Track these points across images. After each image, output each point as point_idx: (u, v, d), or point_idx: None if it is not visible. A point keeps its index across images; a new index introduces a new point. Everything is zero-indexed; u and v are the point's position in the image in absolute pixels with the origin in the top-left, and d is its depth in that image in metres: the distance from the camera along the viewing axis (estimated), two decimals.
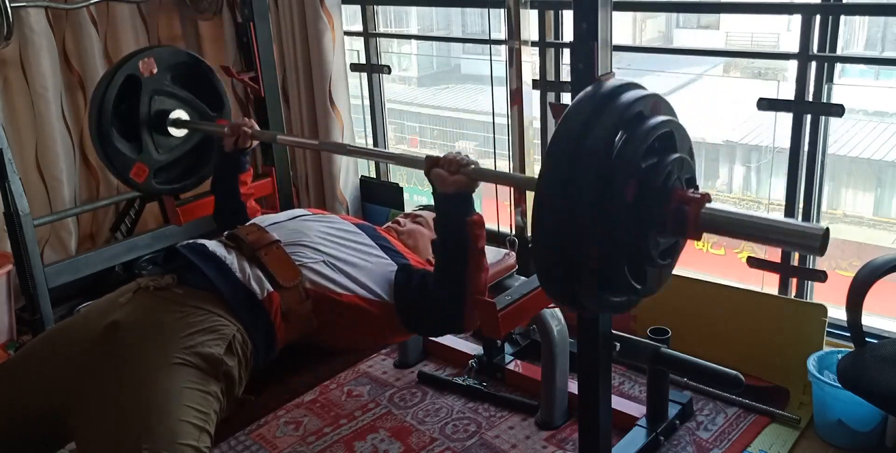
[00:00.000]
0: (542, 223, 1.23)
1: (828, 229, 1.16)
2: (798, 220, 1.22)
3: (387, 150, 1.84)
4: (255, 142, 2.13)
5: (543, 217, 1.23)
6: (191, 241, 1.68)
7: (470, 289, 1.64)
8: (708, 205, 1.26)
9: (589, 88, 1.29)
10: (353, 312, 1.66)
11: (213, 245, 1.65)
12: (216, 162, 2.16)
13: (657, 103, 1.30)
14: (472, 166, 1.62)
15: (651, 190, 1.23)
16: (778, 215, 1.25)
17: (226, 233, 1.73)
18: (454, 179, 1.61)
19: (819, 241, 1.16)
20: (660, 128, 1.26)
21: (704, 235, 1.30)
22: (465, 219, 1.61)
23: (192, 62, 2.38)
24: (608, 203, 1.19)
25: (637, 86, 1.31)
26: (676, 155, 1.28)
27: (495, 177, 1.69)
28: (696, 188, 1.32)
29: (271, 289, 1.58)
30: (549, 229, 1.22)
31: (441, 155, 1.65)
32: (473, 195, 1.64)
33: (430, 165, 1.64)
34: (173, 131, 2.32)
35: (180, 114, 2.32)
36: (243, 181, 2.10)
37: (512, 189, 2.43)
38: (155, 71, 2.24)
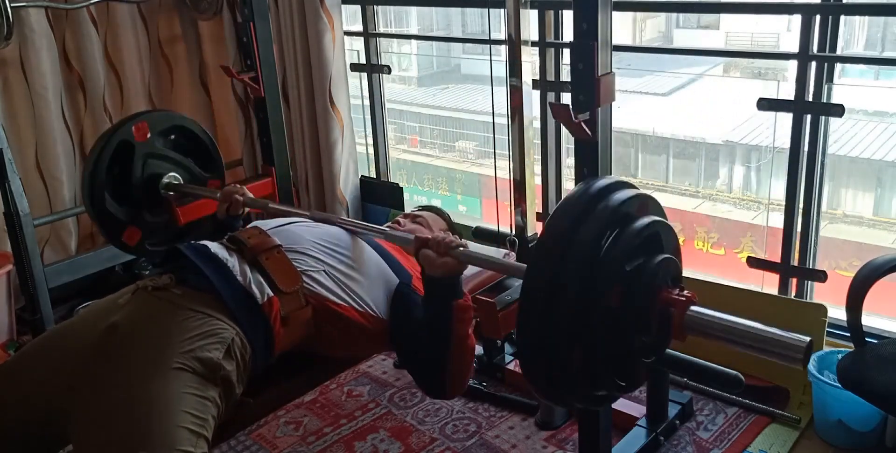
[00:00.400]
0: (527, 325, 1.25)
1: (811, 341, 1.18)
2: (782, 331, 1.23)
3: (378, 226, 1.86)
4: (248, 209, 2.13)
5: (528, 319, 1.25)
6: (193, 242, 1.67)
7: (452, 368, 1.64)
8: (693, 307, 1.27)
9: (579, 186, 1.31)
10: (350, 324, 1.66)
11: (215, 247, 1.65)
12: (211, 229, 2.14)
13: (644, 203, 1.32)
14: (461, 248, 1.61)
15: (636, 292, 1.24)
16: (764, 327, 1.27)
17: (228, 235, 1.73)
18: (442, 262, 1.60)
19: (802, 353, 1.17)
20: (646, 229, 1.27)
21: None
22: (451, 303, 1.61)
23: (186, 125, 2.41)
24: (592, 308, 1.20)
25: (626, 185, 1.32)
26: (663, 256, 1.29)
27: (483, 262, 1.68)
28: (682, 288, 1.32)
29: (271, 293, 1.58)
30: (534, 331, 1.24)
31: (430, 236, 1.66)
32: (463, 269, 1.64)
33: (419, 246, 1.64)
34: (166, 195, 2.34)
35: (173, 178, 2.34)
36: None
37: (512, 189, 2.43)
38: (148, 135, 2.27)
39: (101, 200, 2.20)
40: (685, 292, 1.30)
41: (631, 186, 1.33)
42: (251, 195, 2.12)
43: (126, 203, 2.27)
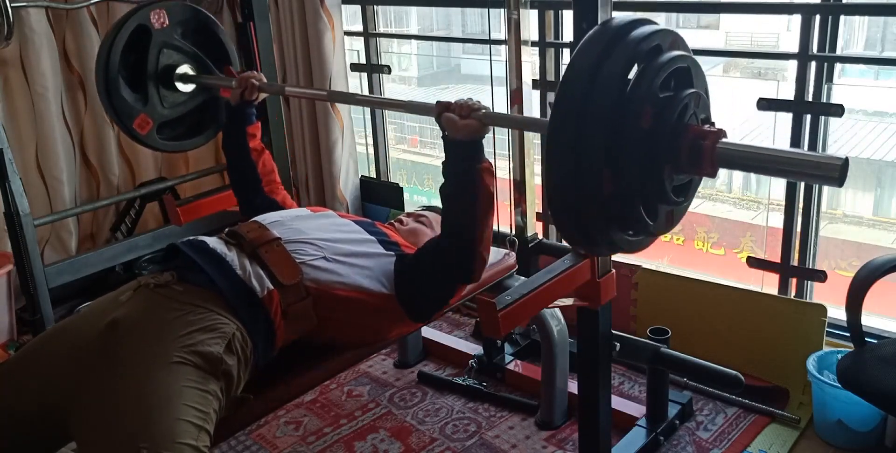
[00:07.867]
0: (556, 155, 1.21)
1: (846, 159, 1.12)
2: (814, 153, 1.19)
3: (395, 99, 1.86)
4: (263, 95, 2.14)
5: (557, 149, 1.20)
6: (191, 238, 1.68)
7: (480, 235, 1.65)
8: (723, 139, 1.23)
9: (601, 23, 1.26)
10: (354, 306, 1.67)
11: (213, 242, 1.65)
12: (225, 118, 2.15)
13: (675, 40, 1.28)
14: (483, 111, 1.61)
15: (667, 122, 1.20)
16: (796, 150, 1.21)
17: (226, 229, 1.73)
18: (465, 123, 1.60)
19: (838, 171, 1.11)
20: (677, 61, 1.23)
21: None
22: (475, 166, 1.61)
23: (203, 19, 2.38)
24: (623, 130, 1.16)
25: (654, 22, 1.27)
26: (693, 90, 1.25)
27: (507, 121, 1.65)
28: (712, 124, 1.28)
29: (271, 286, 1.58)
30: (562, 160, 1.19)
31: (451, 101, 1.65)
32: (485, 132, 1.64)
33: (440, 110, 1.64)
34: (180, 86, 2.33)
35: (188, 69, 2.33)
36: (252, 134, 2.09)
37: (512, 189, 2.43)
38: (166, 23, 2.24)
39: (115, 82, 2.19)
40: (715, 127, 1.26)
41: (658, 24, 1.28)
42: (266, 80, 2.12)
43: (140, 91, 2.27)
